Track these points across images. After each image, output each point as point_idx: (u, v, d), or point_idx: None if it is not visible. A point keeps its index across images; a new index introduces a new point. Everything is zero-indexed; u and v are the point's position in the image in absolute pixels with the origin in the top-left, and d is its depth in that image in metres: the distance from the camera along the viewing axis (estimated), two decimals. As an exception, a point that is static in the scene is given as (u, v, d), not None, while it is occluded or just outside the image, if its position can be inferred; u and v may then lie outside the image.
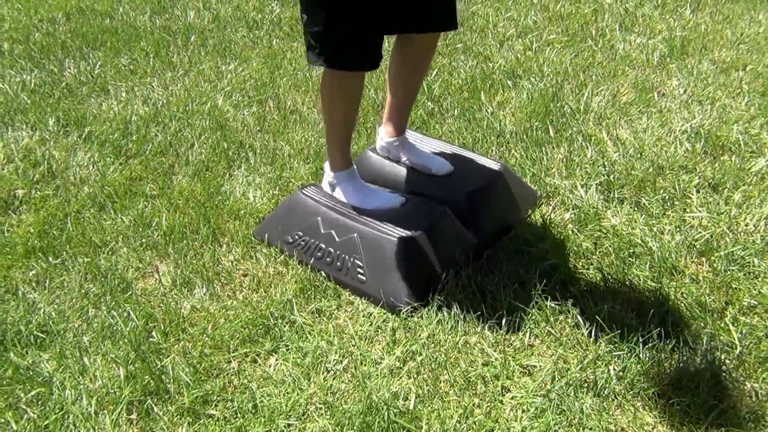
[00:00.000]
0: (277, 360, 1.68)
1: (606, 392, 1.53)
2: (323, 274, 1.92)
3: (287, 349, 1.70)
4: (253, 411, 1.53)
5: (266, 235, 2.09)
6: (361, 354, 1.68)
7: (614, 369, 1.57)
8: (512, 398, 1.54)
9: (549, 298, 1.77)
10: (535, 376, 1.58)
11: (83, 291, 1.92)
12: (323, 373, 1.63)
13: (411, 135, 2.25)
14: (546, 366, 1.60)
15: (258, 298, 1.87)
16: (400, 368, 1.62)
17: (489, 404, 1.53)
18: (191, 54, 3.48)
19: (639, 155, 2.39)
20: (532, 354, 1.65)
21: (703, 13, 3.66)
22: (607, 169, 2.31)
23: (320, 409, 1.53)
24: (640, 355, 1.60)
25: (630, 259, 1.92)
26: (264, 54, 3.45)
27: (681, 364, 1.58)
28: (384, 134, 2.18)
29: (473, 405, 1.53)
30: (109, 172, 2.48)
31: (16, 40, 3.77)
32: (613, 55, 3.21)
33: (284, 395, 1.57)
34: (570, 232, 2.04)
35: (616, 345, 1.63)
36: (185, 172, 2.46)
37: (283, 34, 3.70)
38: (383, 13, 1.75)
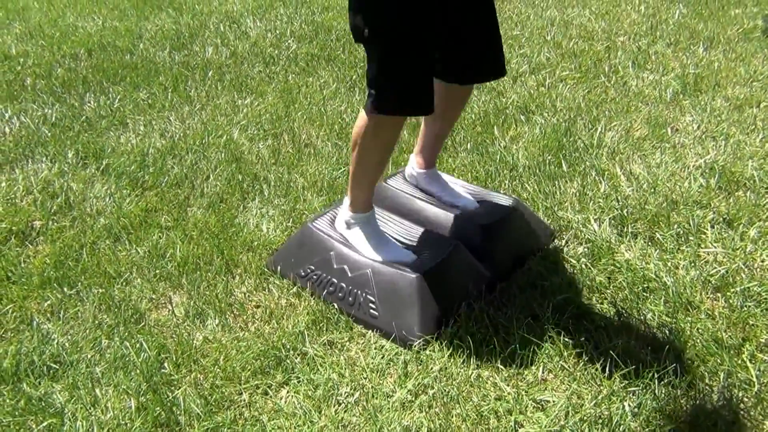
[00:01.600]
0: (288, 392, 1.67)
1: (621, 429, 1.51)
2: (335, 307, 1.92)
3: (298, 381, 1.69)
4: (264, 444, 1.52)
5: (279, 267, 2.09)
6: (372, 387, 1.67)
7: (629, 405, 1.54)
8: (525, 434, 1.52)
9: (562, 332, 1.76)
10: (549, 412, 1.56)
11: (97, 321, 1.93)
12: (334, 406, 1.62)
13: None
14: (560, 401, 1.58)
15: (270, 330, 1.87)
16: (412, 401, 1.61)
17: (502, 440, 1.51)
18: (208, 89, 3.55)
19: (653, 190, 2.39)
20: (545, 389, 1.63)
21: (716, 51, 3.68)
22: (620, 203, 2.30)
23: (331, 442, 1.52)
24: (656, 392, 1.57)
25: (644, 293, 1.91)
26: (280, 89, 3.50)
27: (698, 402, 1.56)
28: (415, 164, 2.20)
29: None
30: (125, 203, 2.51)
31: (38, 75, 3.85)
32: (626, 91, 3.23)
33: (295, 428, 1.56)
34: (583, 266, 2.03)
35: (631, 381, 1.61)
36: (200, 204, 2.49)
37: (299, 69, 3.76)
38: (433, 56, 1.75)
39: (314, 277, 2.01)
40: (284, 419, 1.58)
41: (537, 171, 2.55)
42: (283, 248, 2.16)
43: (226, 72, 3.77)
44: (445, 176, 2.27)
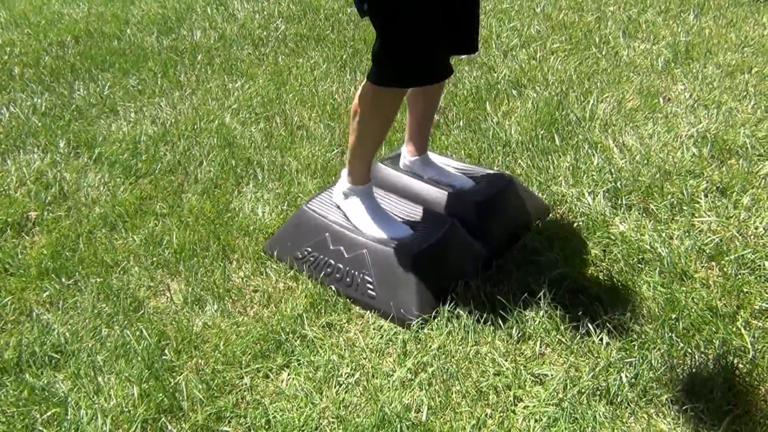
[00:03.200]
0: (289, 375, 1.69)
1: (619, 400, 1.53)
2: (333, 289, 1.93)
3: (299, 364, 1.71)
4: (267, 427, 1.54)
5: (276, 251, 2.10)
6: (372, 367, 1.68)
7: (626, 376, 1.56)
8: (524, 408, 1.54)
9: (559, 306, 1.77)
10: (547, 385, 1.58)
11: (96, 311, 1.93)
12: (335, 387, 1.64)
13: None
14: (558, 374, 1.60)
15: (269, 314, 1.88)
16: (412, 380, 1.63)
17: (501, 414, 1.53)
18: (198, 73, 3.52)
19: (646, 161, 2.40)
20: (543, 363, 1.65)
21: (707, 18, 3.66)
22: (614, 176, 2.31)
23: (333, 423, 1.54)
24: (653, 362, 1.59)
25: (639, 265, 1.92)
26: (270, 71, 3.48)
27: (694, 370, 1.58)
28: (407, 153, 2.21)
29: (485, 415, 1.53)
30: (119, 192, 2.51)
31: (26, 64, 3.82)
32: (617, 61, 3.22)
33: (297, 410, 1.57)
34: (578, 240, 2.04)
35: (628, 352, 1.63)
36: (194, 190, 2.49)
37: (289, 50, 3.73)
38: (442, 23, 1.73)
39: (311, 259, 2.02)
40: (286, 401, 1.60)
41: (530, 146, 2.55)
42: (279, 232, 2.17)
43: (215, 55, 3.74)
44: (438, 158, 2.28)
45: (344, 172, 2.04)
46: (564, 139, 2.59)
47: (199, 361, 1.74)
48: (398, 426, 1.49)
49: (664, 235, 2.03)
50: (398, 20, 1.66)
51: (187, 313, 1.90)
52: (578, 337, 1.69)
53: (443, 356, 1.68)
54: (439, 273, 1.89)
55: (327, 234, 2.01)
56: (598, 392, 1.54)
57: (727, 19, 3.61)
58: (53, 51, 3.99)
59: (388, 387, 1.61)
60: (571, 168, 2.40)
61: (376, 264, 1.90)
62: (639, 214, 2.15)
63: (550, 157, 2.48)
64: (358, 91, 1.83)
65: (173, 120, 3.03)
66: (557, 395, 1.55)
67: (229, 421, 1.56)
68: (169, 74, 3.51)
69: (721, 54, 3.21)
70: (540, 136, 2.60)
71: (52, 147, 2.86)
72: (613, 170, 2.35)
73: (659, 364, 1.59)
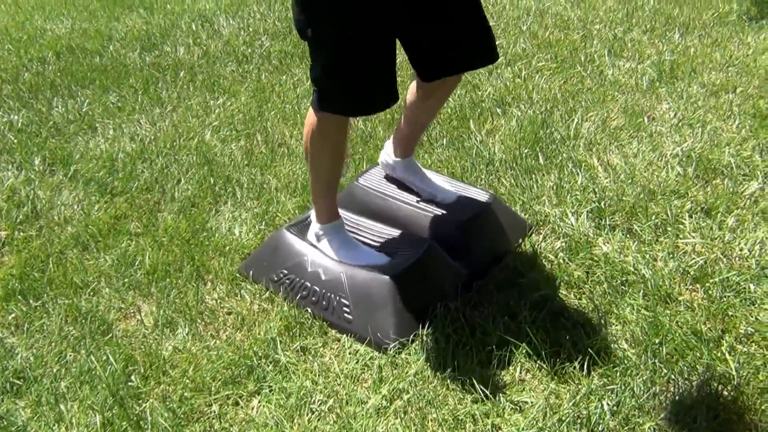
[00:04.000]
0: (260, 402, 1.63)
1: (600, 428, 1.47)
2: (309, 312, 1.88)
3: (270, 390, 1.65)
4: (234, 457, 1.48)
5: (251, 272, 2.04)
6: (346, 393, 1.62)
7: (608, 404, 1.51)
8: (504, 439, 1.49)
9: (540, 330, 1.72)
10: (527, 413, 1.53)
11: (63, 334, 1.87)
12: (307, 415, 1.58)
13: None
14: (537, 402, 1.54)
15: (242, 337, 1.82)
16: (387, 407, 1.57)
17: (479, 444, 1.47)
18: (180, 90, 3.48)
19: (630, 180, 2.36)
20: (523, 389, 1.60)
21: (692, 37, 3.65)
22: (598, 195, 2.27)
23: (303, 453, 1.48)
24: (635, 389, 1.54)
25: (623, 287, 1.88)
26: (253, 88, 3.44)
27: (677, 397, 1.53)
28: (391, 152, 2.15)
29: (462, 445, 1.47)
30: (93, 210, 2.45)
31: (5, 80, 3.77)
32: (602, 80, 3.20)
33: (266, 439, 1.52)
34: (561, 261, 2.00)
35: (610, 378, 1.58)
36: (171, 209, 2.43)
37: (272, 67, 3.69)
38: (391, 47, 1.68)
39: (287, 281, 1.96)
40: (255, 430, 1.54)
41: (514, 165, 2.51)
42: (256, 253, 2.11)
43: (198, 72, 3.70)
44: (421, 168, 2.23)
45: (313, 213, 2.00)
46: (548, 157, 2.55)
47: (167, 387, 1.67)
48: (371, 457, 1.43)
49: (647, 256, 1.99)
50: (344, 48, 1.61)
51: (157, 337, 1.84)
52: (559, 363, 1.64)
53: (420, 382, 1.63)
54: (417, 295, 1.84)
55: (306, 257, 1.96)
56: (579, 421, 1.49)
57: (711, 39, 3.61)
58: (33, 67, 3.94)
59: (363, 415, 1.55)
60: (554, 187, 2.36)
61: (353, 287, 1.85)
62: (623, 234, 2.10)
63: (534, 176, 2.44)
64: (306, 122, 1.80)
65: (152, 137, 2.98)
66: (536, 423, 1.49)
67: (194, 452, 1.50)
68: (150, 91, 3.47)
69: (706, 73, 3.19)
70: (524, 155, 2.56)
71: (27, 164, 2.80)
72: (597, 189, 2.31)
73: (641, 391, 1.54)
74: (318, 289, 1.90)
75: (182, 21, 4.59)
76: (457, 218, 2.05)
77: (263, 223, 2.30)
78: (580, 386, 1.57)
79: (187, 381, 1.68)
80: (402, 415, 1.55)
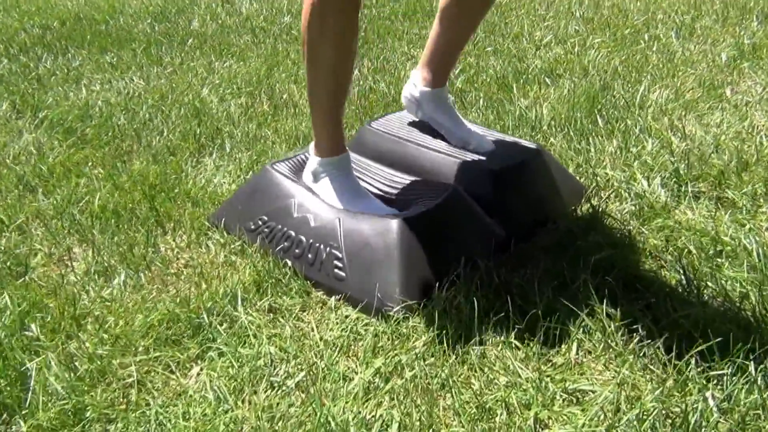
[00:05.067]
0: (202, 369, 1.14)
1: (703, 431, 0.96)
2: (290, 266, 1.40)
3: (220, 356, 1.16)
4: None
5: (223, 220, 1.58)
6: (325, 366, 1.13)
7: (715, 397, 0.99)
8: (551, 438, 0.97)
9: (606, 300, 1.22)
10: (587, 406, 1.02)
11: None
12: (265, 391, 1.08)
13: None
14: (603, 392, 1.03)
15: (196, 292, 1.34)
16: (380, 387, 1.07)
17: (514, 445, 0.96)
18: (185, 54, 3.09)
19: (715, 149, 1.86)
20: (582, 374, 1.09)
21: (773, 26, 3.16)
22: (675, 160, 1.77)
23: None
24: (756, 379, 1.02)
25: (718, 258, 1.36)
26: (266, 54, 3.03)
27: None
28: (420, 80, 1.67)
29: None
30: (52, 153, 2.02)
31: None
32: (670, 56, 2.72)
33: (198, 419, 1.02)
34: (631, 226, 1.50)
35: (714, 363, 1.06)
36: (143, 156, 1.99)
37: (290, 39, 3.29)
38: None
39: (266, 230, 1.50)
40: (186, 406, 1.05)
41: (566, 127, 2.03)
42: (233, 197, 1.65)
43: (208, 40, 3.32)
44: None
45: (311, 146, 1.54)
46: (609, 122, 2.06)
47: (80, 344, 1.20)
48: (347, 450, 0.93)
49: (748, 225, 1.48)
50: None
51: (84, 285, 1.37)
52: (635, 342, 1.13)
53: (431, 357, 1.13)
54: (434, 250, 1.35)
55: (293, 199, 1.49)
56: (669, 420, 0.97)
57: (796, 28, 3.11)
58: (34, 31, 3.60)
59: (343, 394, 1.06)
60: (618, 152, 1.87)
61: (349, 235, 1.37)
62: (710, 202, 1.60)
63: (591, 139, 1.95)
64: (303, 10, 1.33)
65: (141, 91, 2.57)
66: (603, 422, 0.98)
67: (88, 426, 1.01)
68: (150, 52, 3.08)
69: (795, 56, 2.69)
70: (579, 119, 2.08)
71: (-7, 109, 2.41)
72: (673, 155, 1.81)
73: (763, 383, 1.02)
74: (304, 239, 1.43)
75: (202, 1, 4.25)
76: (493, 167, 1.57)
77: (250, 173, 1.85)
78: (667, 373, 1.06)
79: (106, 336, 1.20)
80: (401, 399, 1.05)
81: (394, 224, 1.33)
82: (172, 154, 2.02)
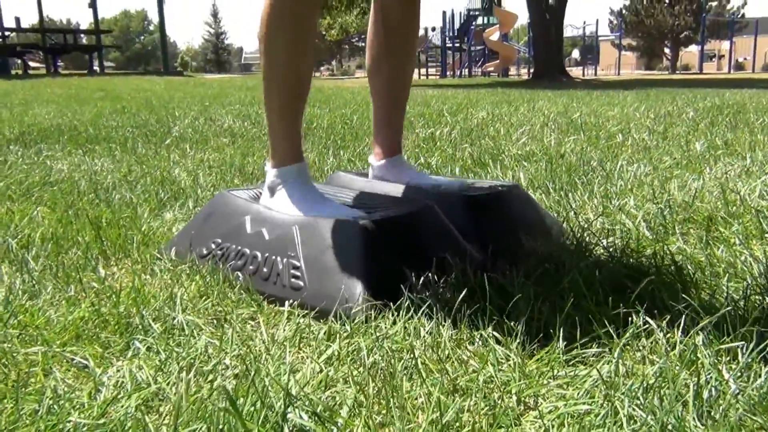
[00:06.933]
0: (123, 363, 0.96)
1: (722, 411, 0.78)
2: (242, 281, 1.25)
3: (148, 349, 0.98)
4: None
5: (173, 249, 1.44)
6: (271, 358, 0.95)
7: (731, 373, 0.83)
8: (536, 417, 0.79)
9: (593, 297, 1.07)
10: (579, 384, 0.84)
11: None
12: (196, 377, 0.90)
13: None
14: (599, 369, 0.86)
15: (130, 303, 1.17)
16: (333, 378, 0.89)
17: (489, 417, 0.78)
18: (161, 148, 3.06)
19: (699, 199, 1.78)
20: (569, 363, 0.92)
21: (742, 132, 3.23)
22: (660, 207, 1.69)
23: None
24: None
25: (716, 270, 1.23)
26: (243, 148, 3.01)
27: None
28: (373, 158, 1.65)
29: (462, 408, 0.78)
30: (1, 206, 1.90)
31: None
32: (645, 147, 2.72)
33: (107, 399, 0.83)
34: (619, 253, 1.38)
35: (724, 338, 0.90)
36: (100, 210, 1.87)
37: (269, 138, 3.30)
38: None
39: (219, 252, 1.36)
40: (92, 387, 0.86)
41: (544, 184, 1.96)
42: (187, 225, 1.53)
43: (186, 139, 3.31)
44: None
45: (266, 163, 1.46)
46: (587, 184, 2.00)
47: (-17, 340, 1.01)
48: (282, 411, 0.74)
49: (745, 254, 1.36)
50: None
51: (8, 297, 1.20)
52: (629, 334, 0.97)
53: (395, 343, 0.96)
54: (402, 254, 1.21)
55: (247, 216, 1.37)
56: (681, 397, 0.80)
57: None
58: (11, 134, 3.59)
59: (287, 381, 0.88)
60: (599, 206, 1.78)
61: (308, 242, 1.24)
62: (701, 242, 1.49)
63: (570, 195, 1.88)
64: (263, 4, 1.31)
65: (110, 169, 2.50)
66: (597, 390, 0.81)
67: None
68: (126, 146, 3.05)
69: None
70: (557, 180, 2.02)
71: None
72: (657, 204, 1.73)
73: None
74: (259, 254, 1.29)
75: (186, 118, 4.32)
76: (469, 193, 1.48)
77: (211, 220, 1.72)
78: (669, 359, 0.89)
79: (12, 332, 1.02)
80: (358, 383, 0.86)
81: (359, 223, 1.20)
82: (130, 207, 1.90)
